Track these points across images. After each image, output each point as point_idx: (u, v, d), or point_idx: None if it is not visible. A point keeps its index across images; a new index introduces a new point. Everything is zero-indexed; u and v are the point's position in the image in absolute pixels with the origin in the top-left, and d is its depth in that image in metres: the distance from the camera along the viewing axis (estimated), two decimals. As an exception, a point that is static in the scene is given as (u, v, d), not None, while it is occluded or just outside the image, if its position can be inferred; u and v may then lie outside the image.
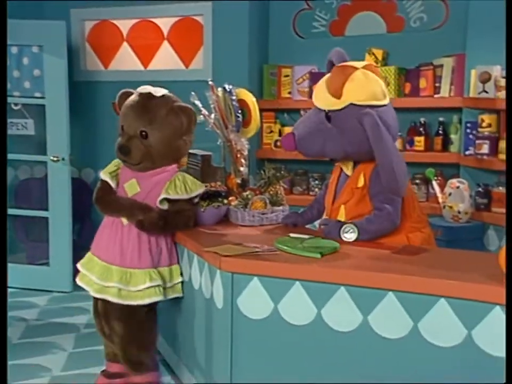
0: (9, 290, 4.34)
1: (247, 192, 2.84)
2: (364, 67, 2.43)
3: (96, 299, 2.66)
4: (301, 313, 2.09)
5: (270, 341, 2.16)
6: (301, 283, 2.08)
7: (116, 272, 2.55)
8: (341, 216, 2.50)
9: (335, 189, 2.60)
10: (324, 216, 2.68)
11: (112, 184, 2.68)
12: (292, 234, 2.44)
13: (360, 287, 1.99)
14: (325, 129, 2.45)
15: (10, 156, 4.45)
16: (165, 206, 2.60)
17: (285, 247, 2.24)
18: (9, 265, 4.35)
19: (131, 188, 2.64)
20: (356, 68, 2.41)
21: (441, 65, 3.92)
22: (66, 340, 3.47)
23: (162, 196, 2.59)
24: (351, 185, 2.49)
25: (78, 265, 2.70)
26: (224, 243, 2.37)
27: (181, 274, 2.68)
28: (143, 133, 2.57)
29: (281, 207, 2.85)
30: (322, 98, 2.46)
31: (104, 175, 2.70)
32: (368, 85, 2.39)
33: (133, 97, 2.65)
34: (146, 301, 2.55)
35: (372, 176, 2.42)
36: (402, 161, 2.37)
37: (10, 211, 4.56)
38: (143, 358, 2.64)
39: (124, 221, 2.60)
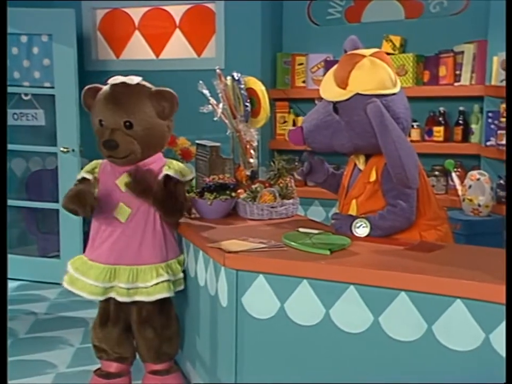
0: (19, 283, 4.35)
1: (256, 185, 2.74)
2: (372, 54, 2.31)
3: (108, 305, 2.55)
4: (309, 313, 1.98)
5: (276, 341, 2.06)
6: (308, 281, 1.97)
7: (149, 270, 2.47)
8: (353, 211, 2.40)
9: (347, 183, 2.50)
10: (335, 211, 2.57)
11: (91, 177, 2.51)
12: (300, 229, 2.33)
13: (371, 286, 1.87)
14: (333, 122, 2.34)
15: (21, 147, 4.45)
16: None
17: (293, 243, 2.14)
18: (20, 257, 4.42)
19: (123, 182, 2.44)
20: (364, 56, 2.29)
21: (462, 52, 3.78)
22: (74, 335, 3.42)
23: (165, 172, 2.47)
24: (363, 179, 2.39)
25: (94, 281, 2.45)
26: (230, 238, 2.27)
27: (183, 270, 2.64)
28: (127, 123, 2.41)
29: (291, 200, 2.75)
30: (328, 89, 2.36)
31: (83, 173, 2.55)
32: (375, 73, 2.27)
33: (105, 90, 2.48)
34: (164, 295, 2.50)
35: (384, 171, 2.30)
36: (411, 152, 2.22)
37: (22, 203, 4.55)
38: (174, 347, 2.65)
39: (121, 217, 2.47)
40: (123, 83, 2.46)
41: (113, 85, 2.47)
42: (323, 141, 2.40)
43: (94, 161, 2.61)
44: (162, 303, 2.53)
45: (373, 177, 2.34)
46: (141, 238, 2.48)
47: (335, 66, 2.36)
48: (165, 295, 2.48)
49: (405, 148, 2.20)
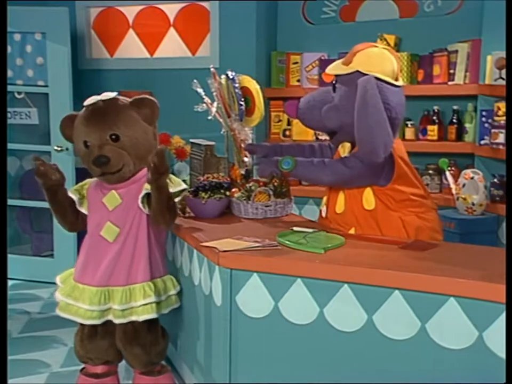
0: (13, 282, 4.33)
1: (251, 184, 2.73)
2: (385, 48, 2.45)
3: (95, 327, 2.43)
4: (303, 311, 1.98)
5: (270, 340, 2.06)
6: (302, 280, 1.97)
7: (145, 288, 2.37)
8: (341, 202, 2.45)
9: None
10: (323, 203, 2.58)
11: (75, 197, 2.44)
12: (295, 228, 2.34)
13: (364, 284, 1.88)
14: (328, 99, 2.45)
15: (15, 146, 4.42)
16: (146, 209, 2.35)
17: (287, 242, 2.14)
18: (14, 256, 4.39)
19: (111, 200, 2.38)
20: (376, 46, 2.42)
21: (456, 51, 3.78)
22: (68, 334, 3.37)
23: (144, 191, 2.31)
24: None
25: (88, 306, 2.33)
26: (225, 237, 2.27)
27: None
28: (113, 136, 2.30)
29: (285, 199, 2.74)
30: (333, 66, 2.47)
31: (69, 192, 2.46)
32: (381, 60, 2.36)
33: (83, 112, 2.38)
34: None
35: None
36: (384, 129, 2.24)
37: (15, 202, 4.53)
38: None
39: (109, 236, 2.37)
40: (98, 101, 2.36)
41: (90, 105, 2.37)
42: (314, 118, 2.51)
43: (87, 180, 2.52)
44: (149, 322, 2.41)
45: None
46: (131, 257, 2.37)
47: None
48: (151, 316, 2.37)
49: (379, 123, 2.23)
